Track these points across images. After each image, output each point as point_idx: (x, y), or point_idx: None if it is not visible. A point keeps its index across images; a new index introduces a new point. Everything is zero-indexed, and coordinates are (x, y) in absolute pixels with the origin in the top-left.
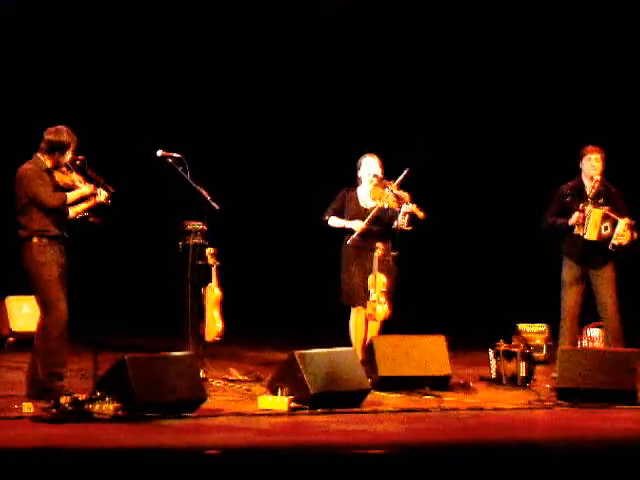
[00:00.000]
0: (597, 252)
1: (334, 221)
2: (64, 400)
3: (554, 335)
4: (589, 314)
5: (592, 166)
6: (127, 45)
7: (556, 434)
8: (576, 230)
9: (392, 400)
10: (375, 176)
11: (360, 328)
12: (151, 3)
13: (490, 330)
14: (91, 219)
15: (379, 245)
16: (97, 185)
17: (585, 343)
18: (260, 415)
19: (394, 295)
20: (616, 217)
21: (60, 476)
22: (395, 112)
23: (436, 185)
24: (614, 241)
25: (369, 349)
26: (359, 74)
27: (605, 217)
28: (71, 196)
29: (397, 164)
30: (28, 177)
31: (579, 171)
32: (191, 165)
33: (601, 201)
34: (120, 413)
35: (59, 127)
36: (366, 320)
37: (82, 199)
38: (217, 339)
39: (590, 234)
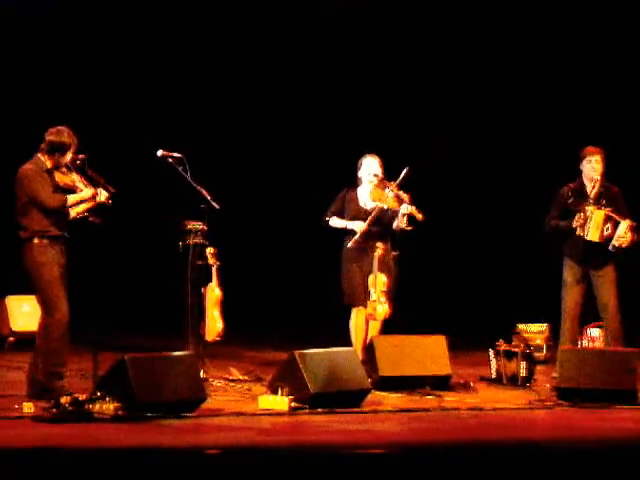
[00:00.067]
0: (598, 253)
1: (335, 222)
2: (64, 400)
3: (554, 335)
4: (590, 314)
5: (592, 167)
6: (127, 45)
7: (556, 434)
8: (578, 231)
9: (392, 400)
10: (375, 176)
11: (360, 328)
12: (151, 3)
13: (490, 330)
14: (91, 219)
15: (379, 245)
16: (97, 185)
17: (585, 343)
18: (260, 415)
19: (395, 295)
20: (618, 218)
21: (60, 476)
22: (395, 112)
23: (436, 185)
24: (614, 242)
25: (369, 349)
26: (359, 74)
27: (607, 218)
28: (71, 199)
29: (397, 164)
30: (28, 177)
31: (580, 173)
32: (191, 165)
33: (603, 202)
34: (120, 413)
35: (60, 128)
36: (366, 320)
37: (82, 200)
38: (217, 339)
39: (592, 235)
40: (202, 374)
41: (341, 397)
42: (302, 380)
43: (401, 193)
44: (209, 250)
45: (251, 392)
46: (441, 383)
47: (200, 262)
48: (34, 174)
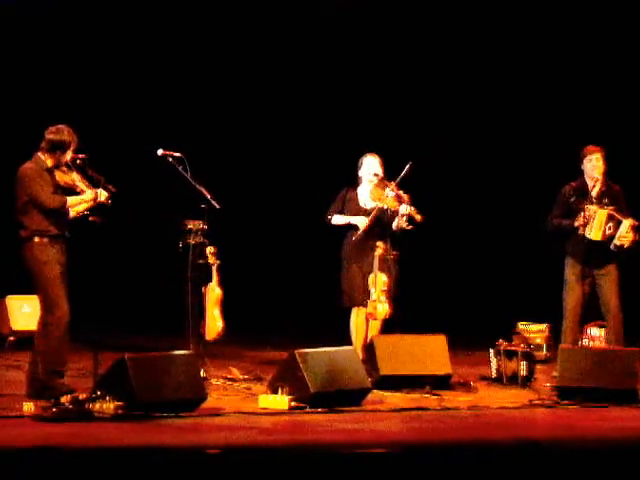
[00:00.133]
0: (601, 252)
1: (337, 219)
2: (64, 399)
3: (554, 334)
4: (591, 314)
5: (593, 166)
6: (127, 45)
7: (557, 433)
8: (580, 230)
9: (393, 399)
10: (376, 176)
11: (361, 327)
12: (151, 3)
13: (490, 329)
14: (91, 218)
15: (379, 244)
16: (97, 185)
17: (585, 342)
18: (261, 414)
19: (395, 294)
20: (620, 217)
21: (60, 475)
22: (395, 112)
23: (436, 185)
24: (616, 241)
25: (370, 348)
26: (359, 74)
27: (610, 217)
28: (71, 201)
29: (397, 164)
30: (29, 177)
31: (581, 172)
32: (191, 164)
33: (606, 201)
34: (120, 412)
35: (60, 126)
36: (367, 319)
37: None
38: (217, 338)
39: (595, 234)
40: (202, 373)
41: (341, 396)
42: (302, 379)
43: (401, 193)
44: (209, 249)
45: (251, 391)
46: (441, 382)
47: (200, 261)
48: (34, 173)
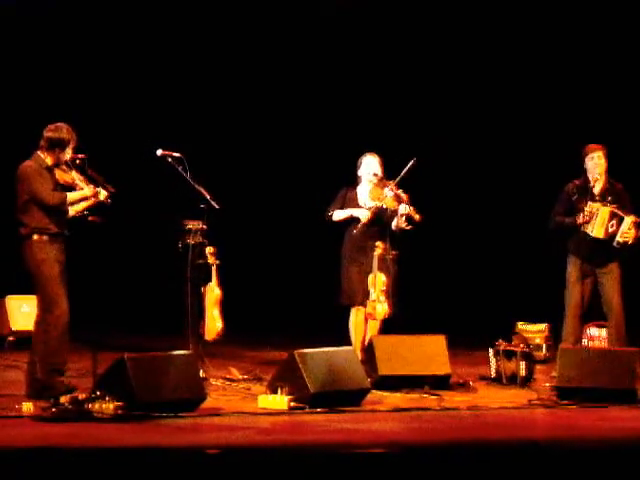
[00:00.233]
0: (604, 250)
1: (339, 213)
2: (64, 399)
3: (554, 334)
4: (591, 313)
5: (595, 164)
6: (127, 45)
7: (556, 433)
8: (583, 228)
9: (392, 399)
10: (375, 175)
11: (360, 327)
12: (151, 3)
13: (490, 329)
14: (90, 218)
15: (379, 244)
16: (97, 184)
17: (585, 342)
18: (260, 414)
19: (394, 294)
20: (623, 215)
21: (60, 475)
22: (395, 111)
23: (436, 184)
24: (619, 238)
25: (369, 348)
26: (359, 74)
27: (612, 215)
28: (71, 196)
29: (397, 164)
30: (29, 174)
31: (584, 170)
32: (191, 164)
33: (609, 199)
34: (120, 412)
35: (59, 124)
36: (366, 319)
37: (82, 199)
38: (217, 338)
39: (597, 232)
40: (202, 373)
41: (341, 397)
42: (302, 380)
43: (400, 193)
44: (209, 249)
45: (251, 392)
46: (440, 382)
47: (200, 261)
48: (34, 171)
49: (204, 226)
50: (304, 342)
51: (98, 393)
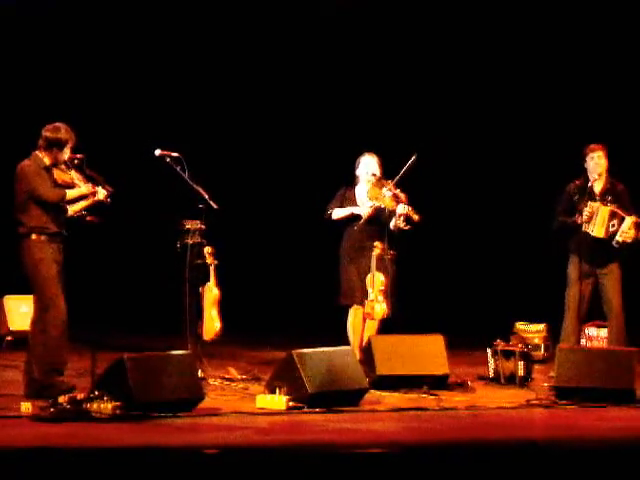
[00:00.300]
0: (604, 250)
1: (338, 212)
2: (62, 399)
3: (552, 334)
4: (591, 313)
5: (596, 163)
6: (126, 45)
7: (554, 433)
8: (584, 228)
9: (390, 399)
10: (373, 175)
11: (358, 327)
12: (151, 3)
13: (488, 329)
14: (88, 218)
15: (377, 244)
16: (96, 184)
17: (583, 342)
18: (258, 414)
19: (394, 294)
20: (623, 214)
21: (58, 475)
22: (394, 111)
23: (435, 184)
24: (618, 238)
25: (367, 348)
26: (359, 74)
27: (613, 214)
28: (70, 194)
29: (396, 164)
30: (27, 173)
31: (585, 170)
32: (189, 164)
33: (609, 199)
34: (118, 412)
35: (57, 124)
36: (364, 319)
37: (81, 197)
38: (215, 338)
39: (598, 231)
40: (200, 373)
41: (339, 396)
42: (300, 379)
43: (398, 192)
44: (207, 249)
45: (249, 391)
46: (439, 382)
47: (198, 261)
48: (32, 170)
49: (202, 226)
50: (302, 342)
51: (97, 393)
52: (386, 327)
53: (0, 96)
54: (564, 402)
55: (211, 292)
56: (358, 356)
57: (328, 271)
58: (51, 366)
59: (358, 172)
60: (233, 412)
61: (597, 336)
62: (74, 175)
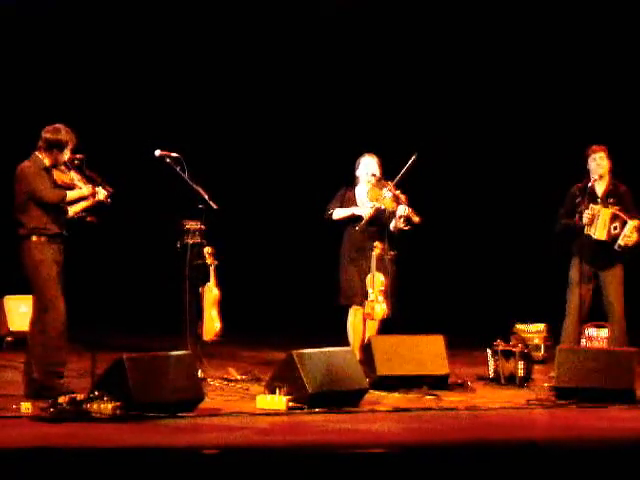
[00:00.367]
0: (606, 252)
1: (339, 212)
2: (62, 399)
3: (552, 334)
4: (591, 313)
5: (597, 164)
6: (126, 45)
7: (554, 433)
8: (586, 230)
9: (390, 399)
10: (373, 176)
11: (358, 328)
12: (151, 3)
13: (488, 330)
14: (88, 218)
15: (377, 244)
16: (96, 184)
17: (583, 342)
18: (258, 415)
19: (394, 295)
20: (625, 217)
21: (58, 475)
22: (394, 112)
23: (435, 184)
24: (620, 241)
25: (367, 348)
26: (358, 74)
27: (614, 217)
28: (70, 195)
29: (396, 164)
30: (27, 174)
31: (587, 172)
32: (189, 164)
33: (611, 201)
34: (118, 412)
35: (57, 125)
36: (364, 319)
37: (81, 198)
38: (215, 339)
39: (599, 234)
40: (200, 374)
41: (339, 397)
42: (300, 380)
43: (398, 193)
44: (207, 250)
45: (249, 392)
46: (439, 383)
47: (198, 262)
48: (32, 171)
49: (202, 226)
50: (302, 342)
51: (97, 393)
52: (386, 327)
53: (0, 96)
54: (564, 402)
55: (211, 292)
56: (358, 356)
57: (328, 271)
58: (49, 367)
59: (358, 173)
60: (233, 412)
61: (597, 336)
62: (74, 176)
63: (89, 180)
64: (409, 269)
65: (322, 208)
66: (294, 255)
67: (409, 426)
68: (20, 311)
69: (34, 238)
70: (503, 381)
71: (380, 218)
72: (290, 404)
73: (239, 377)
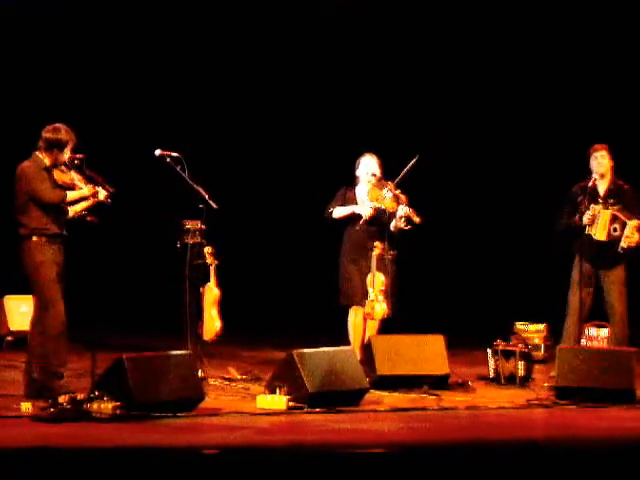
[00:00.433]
0: (608, 253)
1: (339, 211)
2: (62, 399)
3: (552, 334)
4: (592, 313)
5: (598, 163)
6: (126, 45)
7: (555, 433)
8: (587, 230)
9: (390, 399)
10: (374, 176)
11: (359, 327)
12: (151, 3)
13: (488, 329)
14: (89, 218)
15: (377, 244)
16: (96, 184)
17: (584, 342)
18: (258, 414)
19: (394, 294)
20: (625, 219)
21: (59, 475)
22: (395, 112)
23: (435, 184)
24: (623, 244)
25: (368, 348)
26: (359, 74)
27: (614, 218)
28: (71, 195)
29: (396, 164)
30: (27, 174)
31: (590, 171)
32: (189, 164)
33: (611, 201)
34: (118, 412)
35: (57, 125)
36: (365, 319)
37: (81, 198)
38: (215, 338)
39: (599, 235)
40: (200, 373)
41: (339, 396)
42: (300, 379)
43: (399, 193)
44: (207, 249)
45: (249, 391)
46: (439, 382)
47: (198, 261)
48: (33, 171)
49: (203, 226)
50: (303, 342)
51: (97, 393)
52: (386, 327)
53: (0, 96)
54: (564, 402)
55: (211, 292)
56: (358, 356)
57: (328, 271)
58: (49, 367)
59: (358, 173)
60: (233, 412)
61: (597, 336)
62: (74, 176)
63: (89, 180)
64: (409, 269)
65: (322, 208)
66: (294, 255)
67: (409, 426)
68: (20, 311)
69: (34, 238)
70: (503, 381)
71: (380, 218)
72: (290, 404)
73: (239, 377)
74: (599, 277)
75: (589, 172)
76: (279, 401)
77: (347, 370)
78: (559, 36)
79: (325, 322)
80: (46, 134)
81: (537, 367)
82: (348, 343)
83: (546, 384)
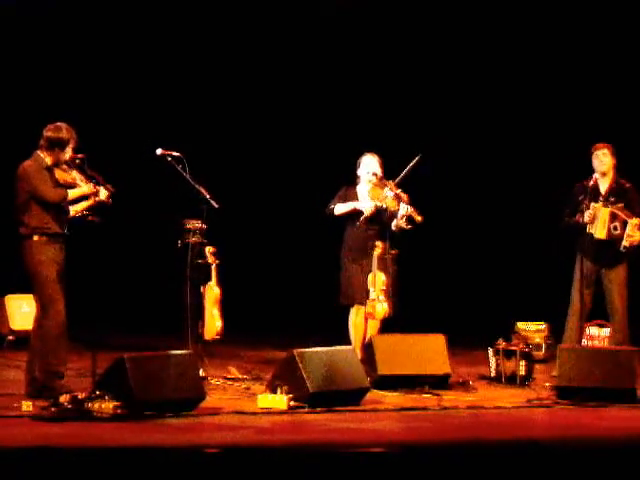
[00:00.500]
0: (609, 251)
1: (341, 207)
2: (63, 399)
3: (553, 334)
4: (593, 312)
5: (600, 161)
6: (127, 44)
7: (555, 433)
8: (588, 229)
9: (391, 399)
10: (374, 175)
11: (360, 327)
12: (151, 3)
13: (489, 329)
14: (90, 218)
15: (378, 244)
16: (97, 184)
17: (585, 342)
18: (259, 414)
19: (395, 294)
20: (624, 217)
21: (59, 475)
22: (396, 111)
23: (436, 184)
24: (625, 243)
25: (368, 348)
26: (359, 73)
27: (613, 216)
28: (72, 194)
29: (398, 164)
30: (28, 173)
31: (593, 170)
32: (190, 164)
33: (611, 199)
34: (119, 412)
35: (58, 124)
36: (365, 319)
37: (83, 198)
38: (216, 338)
39: (599, 233)
40: (201, 373)
41: (340, 396)
42: (301, 379)
43: (400, 193)
44: (208, 249)
45: (250, 391)
46: (440, 382)
47: (199, 261)
48: (34, 170)
49: (204, 225)
50: (303, 341)
51: (97, 393)
52: (387, 327)
53: (1, 96)
54: (565, 402)
55: (212, 291)
56: (359, 356)
57: (329, 271)
58: (50, 366)
59: (359, 172)
60: (234, 412)
61: (598, 336)
62: (75, 175)
63: (90, 179)
64: (410, 268)
65: (323, 208)
66: (295, 254)
67: (410, 425)
68: (22, 310)
69: (36, 238)
70: (504, 380)
71: (381, 217)
72: (291, 403)
73: (240, 376)
74: (600, 276)
75: (592, 171)
76: (280, 401)
77: (348, 370)
78: (560, 35)
79: (326, 322)
80: (47, 133)
81: (538, 367)
82: (349, 343)
83: (547, 384)
